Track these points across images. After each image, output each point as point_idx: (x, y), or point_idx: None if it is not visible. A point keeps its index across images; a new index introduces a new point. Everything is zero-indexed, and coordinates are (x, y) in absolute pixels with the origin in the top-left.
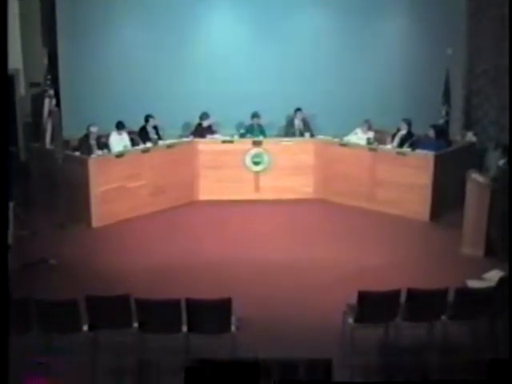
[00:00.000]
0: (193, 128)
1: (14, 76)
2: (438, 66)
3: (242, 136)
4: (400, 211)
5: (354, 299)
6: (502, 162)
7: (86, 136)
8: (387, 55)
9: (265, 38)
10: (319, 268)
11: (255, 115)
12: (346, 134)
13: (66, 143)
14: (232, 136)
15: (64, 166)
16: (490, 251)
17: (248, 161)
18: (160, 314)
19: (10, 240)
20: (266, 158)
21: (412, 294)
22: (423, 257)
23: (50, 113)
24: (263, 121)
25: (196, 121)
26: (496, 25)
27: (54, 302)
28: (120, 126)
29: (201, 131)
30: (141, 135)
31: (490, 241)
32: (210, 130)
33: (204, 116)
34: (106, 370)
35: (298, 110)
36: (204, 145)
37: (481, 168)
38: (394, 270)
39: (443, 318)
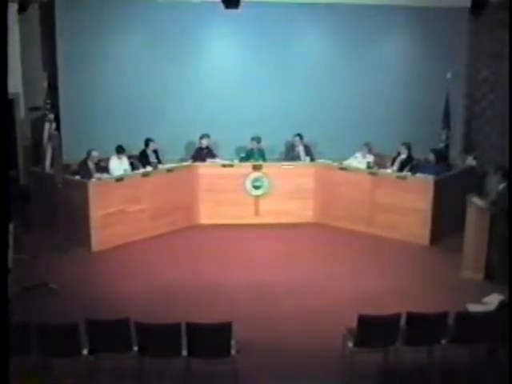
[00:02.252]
0: (193, 152)
1: (14, 100)
2: (438, 90)
3: (242, 160)
4: (400, 235)
5: (353, 323)
6: (501, 186)
7: (86, 160)
8: (387, 79)
9: (266, 62)
10: (319, 292)
11: (255, 139)
12: (346, 158)
13: (66, 167)
14: (232, 160)
15: (64, 190)
16: (489, 275)
17: (248, 185)
18: (160, 337)
19: (10, 263)
20: (266, 182)
21: (412, 317)
22: (423, 281)
23: (50, 137)
24: (264, 145)
25: (196, 145)
26: (496, 46)
27: (53, 326)
28: (120, 150)
29: (201, 155)
30: (141, 159)
31: (490, 265)
32: (210, 154)
33: (204, 136)
34: None
35: (299, 136)
36: (204, 169)
37: (481, 192)
38: (393, 293)
39: (443, 341)
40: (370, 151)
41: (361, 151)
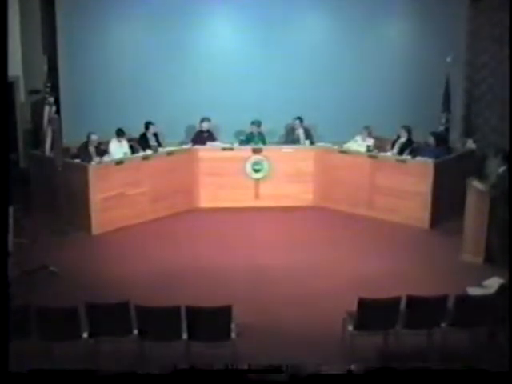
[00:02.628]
0: (193, 135)
1: (14, 83)
2: (438, 73)
3: (242, 143)
4: (400, 218)
5: (353, 306)
6: (501, 169)
7: (86, 143)
8: (387, 62)
9: (265, 45)
10: (319, 275)
11: (255, 123)
12: (346, 142)
13: (66, 150)
14: (232, 143)
15: (64, 174)
16: (489, 258)
17: (248, 168)
18: (160, 321)
19: (10, 247)
20: (266, 166)
21: (412, 301)
22: (423, 264)
23: (50, 120)
24: (264, 128)
25: (196, 128)
26: (496, 30)
27: (54, 309)
28: (120, 133)
29: (201, 138)
30: (141, 142)
31: (490, 248)
32: (210, 138)
33: (205, 119)
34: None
35: (299, 119)
36: (204, 152)
37: (481, 175)
38: (393, 277)
39: (443, 325)
40: (369, 134)
41: (361, 134)
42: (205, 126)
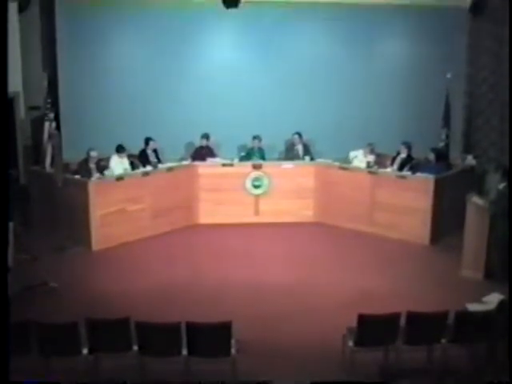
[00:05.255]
0: (192, 152)
1: (14, 99)
2: (438, 89)
3: (242, 159)
4: (400, 235)
5: (353, 322)
6: (501, 186)
7: (86, 160)
8: (387, 78)
9: (265, 61)
10: (319, 291)
11: (257, 138)
12: (345, 158)
13: (66, 166)
14: (232, 159)
15: (64, 190)
16: (489, 274)
17: (248, 184)
18: (160, 337)
19: (11, 263)
20: (265, 182)
21: (412, 317)
22: (423, 280)
23: (50, 136)
24: (263, 144)
25: (196, 144)
26: (496, 45)
27: (53, 325)
28: (120, 150)
29: (201, 154)
30: (141, 158)
31: (490, 264)
32: (210, 153)
33: (205, 136)
34: None
35: (299, 134)
36: (204, 168)
37: (481, 191)
38: (393, 293)
39: (443, 341)
40: (371, 151)
41: (363, 150)
42: (205, 142)
